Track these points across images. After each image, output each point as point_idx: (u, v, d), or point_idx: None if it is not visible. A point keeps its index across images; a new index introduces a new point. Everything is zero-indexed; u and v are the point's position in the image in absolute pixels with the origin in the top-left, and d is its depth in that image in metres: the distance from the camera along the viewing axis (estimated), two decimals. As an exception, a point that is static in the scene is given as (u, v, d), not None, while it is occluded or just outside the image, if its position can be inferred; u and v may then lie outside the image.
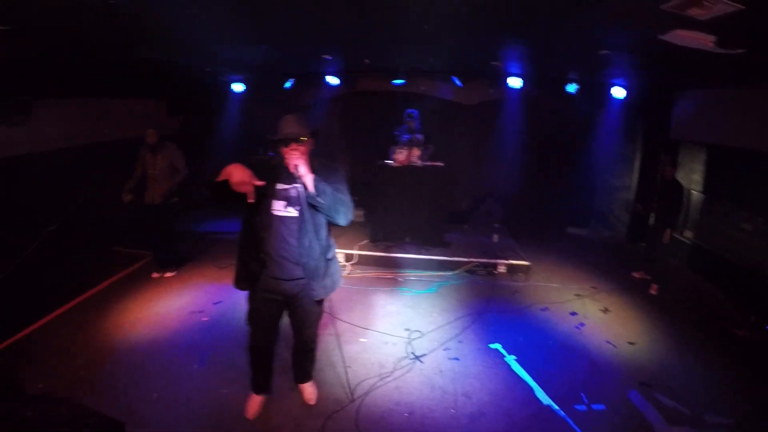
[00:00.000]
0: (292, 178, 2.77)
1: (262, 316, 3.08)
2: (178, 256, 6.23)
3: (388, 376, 3.93)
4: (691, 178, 7.11)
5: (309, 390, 3.59)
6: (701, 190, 6.88)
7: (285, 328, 3.24)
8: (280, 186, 2.82)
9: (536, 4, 3.20)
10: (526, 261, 6.48)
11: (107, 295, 5.30)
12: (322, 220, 2.91)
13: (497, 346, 4.51)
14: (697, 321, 5.24)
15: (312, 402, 3.55)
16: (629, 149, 8.28)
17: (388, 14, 3.62)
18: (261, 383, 3.40)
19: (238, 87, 8.13)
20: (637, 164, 8.09)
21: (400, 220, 6.94)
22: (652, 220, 6.52)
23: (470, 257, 6.52)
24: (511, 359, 4.28)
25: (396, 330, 4.74)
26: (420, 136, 7.24)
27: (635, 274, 6.52)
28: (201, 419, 3.35)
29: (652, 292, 5.94)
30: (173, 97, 8.37)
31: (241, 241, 2.96)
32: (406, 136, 7.24)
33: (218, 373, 3.89)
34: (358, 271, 6.30)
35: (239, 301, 5.18)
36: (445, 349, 4.41)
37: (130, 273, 6.02)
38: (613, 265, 7.02)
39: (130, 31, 3.80)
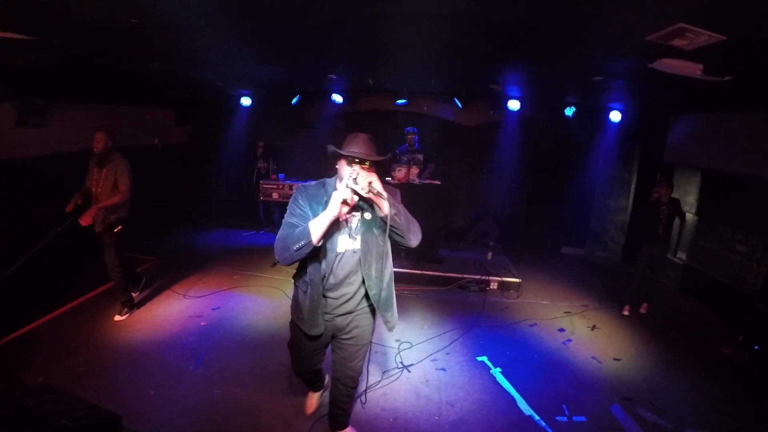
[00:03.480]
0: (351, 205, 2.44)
1: (310, 354, 2.95)
2: (135, 275, 5.55)
3: (376, 384, 4.00)
4: (685, 200, 7.22)
5: None
6: (695, 213, 7.00)
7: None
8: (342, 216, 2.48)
9: (531, 37, 3.34)
10: (517, 278, 6.58)
11: (110, 297, 5.35)
12: (388, 246, 2.66)
13: (484, 358, 4.58)
14: (684, 339, 5.28)
15: None
16: (625, 172, 8.43)
17: (392, 40, 3.77)
18: (316, 385, 3.53)
19: (246, 101, 8.35)
20: (632, 187, 8.22)
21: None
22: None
23: (463, 273, 6.61)
24: (496, 372, 4.34)
25: (386, 341, 4.80)
26: (419, 156, 7.41)
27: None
28: (194, 416, 3.45)
29: (642, 310, 5.99)
30: (183, 108, 8.56)
31: (307, 281, 2.64)
32: (407, 156, 7.43)
33: (213, 375, 4.01)
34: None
35: (237, 308, 5.37)
36: (432, 360, 4.49)
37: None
38: (606, 284, 7.09)
39: (146, 45, 3.97)
